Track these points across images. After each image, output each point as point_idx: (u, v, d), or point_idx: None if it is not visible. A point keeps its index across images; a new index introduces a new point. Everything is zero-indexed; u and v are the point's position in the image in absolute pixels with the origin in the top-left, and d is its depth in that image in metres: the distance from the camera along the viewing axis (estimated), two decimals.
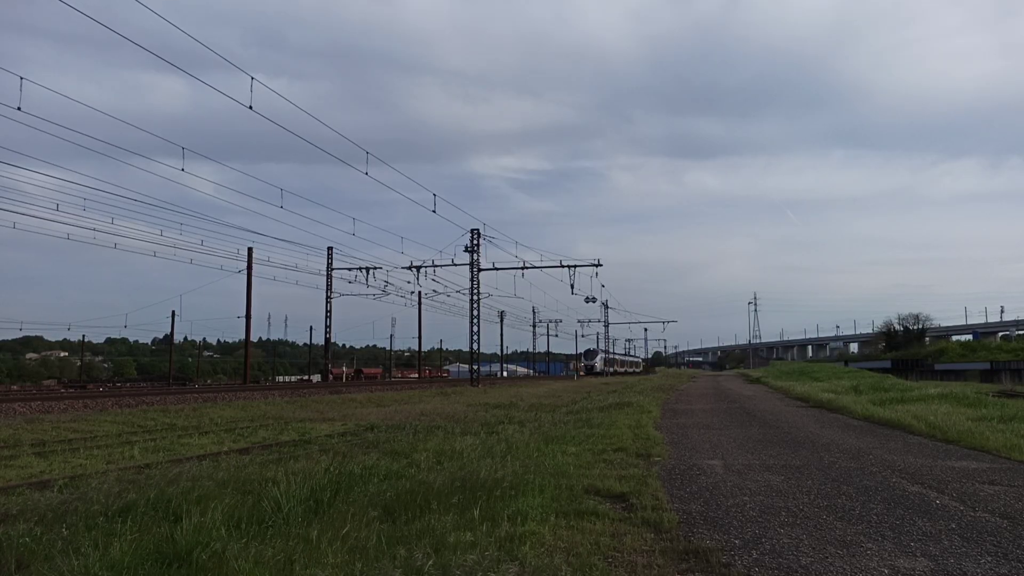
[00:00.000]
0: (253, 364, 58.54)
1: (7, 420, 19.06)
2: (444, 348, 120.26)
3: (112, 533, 5.45)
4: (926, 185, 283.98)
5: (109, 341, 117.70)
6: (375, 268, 52.90)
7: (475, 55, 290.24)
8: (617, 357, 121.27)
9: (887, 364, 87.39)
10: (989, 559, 5.16)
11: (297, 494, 6.46)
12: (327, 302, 56.55)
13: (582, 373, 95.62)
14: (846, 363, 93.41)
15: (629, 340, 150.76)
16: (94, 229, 36.85)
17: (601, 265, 49.50)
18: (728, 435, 13.88)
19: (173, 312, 62.46)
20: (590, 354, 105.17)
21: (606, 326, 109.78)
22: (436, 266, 49.91)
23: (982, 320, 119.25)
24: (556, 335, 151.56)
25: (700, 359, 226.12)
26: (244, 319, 46.78)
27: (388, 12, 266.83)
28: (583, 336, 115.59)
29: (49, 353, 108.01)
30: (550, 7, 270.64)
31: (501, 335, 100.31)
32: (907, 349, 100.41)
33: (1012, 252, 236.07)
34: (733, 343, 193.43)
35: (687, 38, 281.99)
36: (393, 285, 55.14)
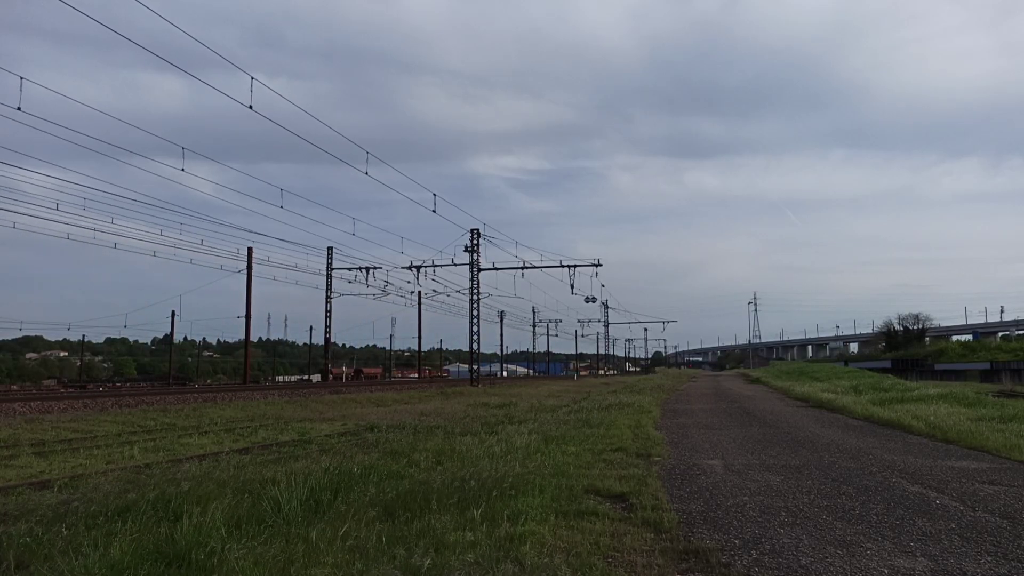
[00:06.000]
0: (253, 364, 58.52)
1: (7, 420, 19.05)
2: (444, 348, 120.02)
3: (112, 533, 5.45)
4: (926, 185, 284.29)
5: (109, 341, 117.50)
6: (375, 268, 52.95)
7: (474, 55, 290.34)
8: None
9: (887, 364, 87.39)
10: (989, 559, 5.16)
11: (297, 494, 6.46)
12: (327, 302, 56.55)
13: None
14: (846, 363, 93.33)
15: (629, 340, 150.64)
16: (94, 229, 36.93)
17: (601, 265, 49.28)
18: (728, 435, 13.88)
19: (173, 312, 62.32)
20: None
21: (606, 326, 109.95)
22: (436, 266, 49.94)
23: (982, 320, 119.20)
24: (556, 335, 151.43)
25: (700, 359, 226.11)
26: (244, 319, 46.80)
27: (388, 12, 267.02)
28: (583, 336, 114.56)
29: (49, 353, 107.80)
30: (550, 7, 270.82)
31: (501, 335, 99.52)
32: (907, 349, 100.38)
33: (1012, 252, 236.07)
34: (733, 343, 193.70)
35: (687, 37, 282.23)
36: (393, 285, 55.15)
